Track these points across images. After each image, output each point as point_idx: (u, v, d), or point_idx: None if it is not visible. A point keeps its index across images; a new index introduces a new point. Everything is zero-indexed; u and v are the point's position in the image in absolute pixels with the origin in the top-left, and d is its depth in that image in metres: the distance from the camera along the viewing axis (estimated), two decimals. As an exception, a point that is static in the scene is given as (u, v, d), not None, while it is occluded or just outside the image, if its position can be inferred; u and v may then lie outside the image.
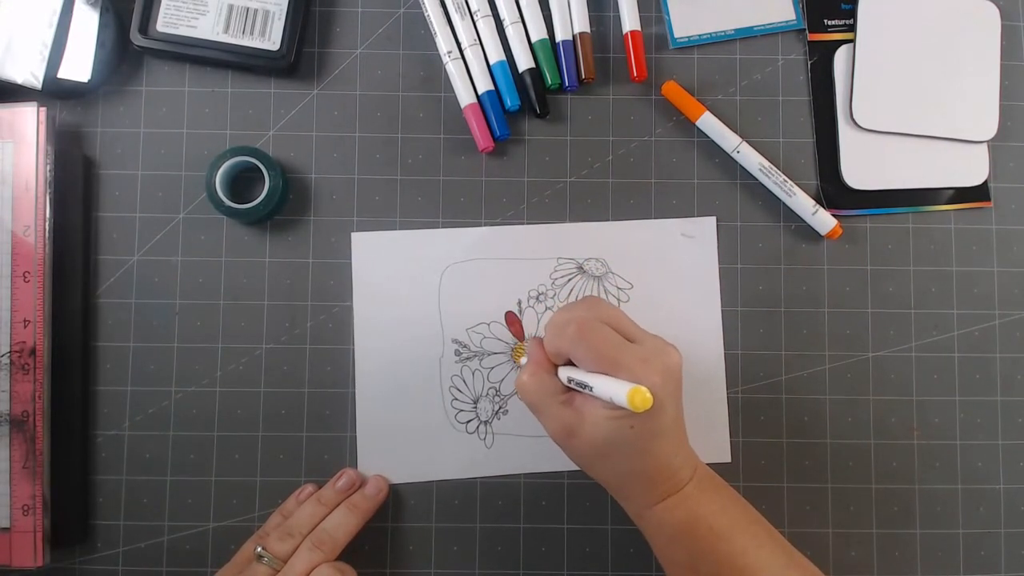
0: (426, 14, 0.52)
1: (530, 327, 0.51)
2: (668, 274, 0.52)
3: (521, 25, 0.52)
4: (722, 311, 0.52)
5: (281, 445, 0.50)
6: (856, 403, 0.51)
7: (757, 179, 0.52)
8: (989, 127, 0.53)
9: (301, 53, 0.52)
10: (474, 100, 0.51)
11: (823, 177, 0.53)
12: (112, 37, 0.51)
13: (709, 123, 0.52)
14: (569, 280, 0.52)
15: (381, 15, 0.53)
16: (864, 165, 0.52)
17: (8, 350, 0.47)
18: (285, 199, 0.51)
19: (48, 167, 0.49)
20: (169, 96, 0.52)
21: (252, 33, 0.51)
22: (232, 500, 0.50)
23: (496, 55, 0.52)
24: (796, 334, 0.52)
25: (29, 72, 0.49)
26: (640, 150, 0.53)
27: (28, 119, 0.48)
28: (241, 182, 0.51)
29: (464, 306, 0.51)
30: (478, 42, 0.52)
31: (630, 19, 0.52)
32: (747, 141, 0.52)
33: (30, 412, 0.47)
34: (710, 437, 0.51)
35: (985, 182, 0.53)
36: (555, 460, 0.49)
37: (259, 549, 0.45)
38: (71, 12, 0.50)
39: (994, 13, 0.53)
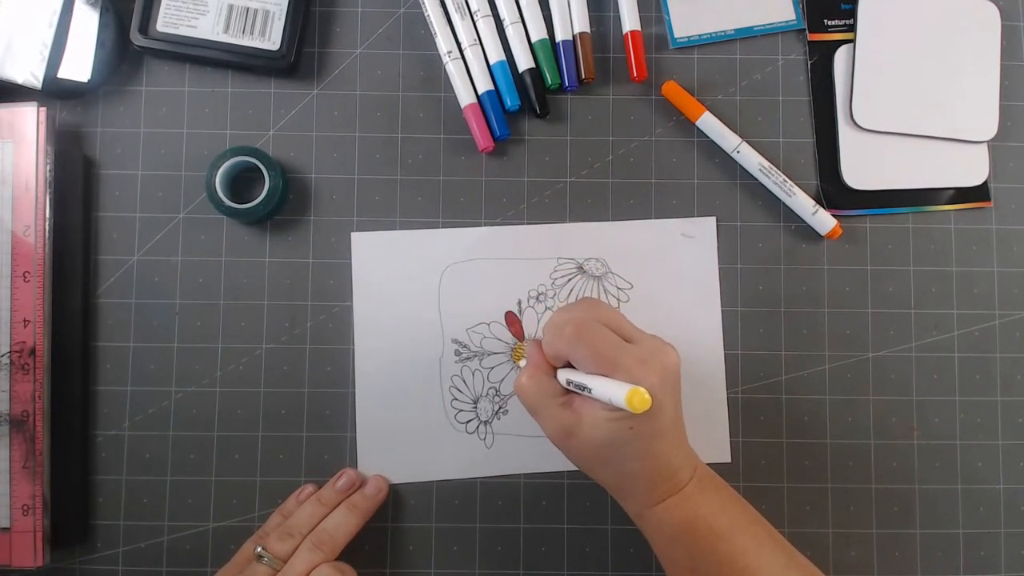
0: (426, 14, 0.52)
1: (530, 327, 0.51)
2: (668, 274, 0.52)
3: (521, 25, 0.52)
4: (722, 311, 0.52)
5: (281, 445, 0.50)
6: (856, 403, 0.51)
7: (757, 179, 0.52)
8: (989, 127, 0.53)
9: (301, 53, 0.52)
10: (474, 100, 0.51)
11: (823, 177, 0.53)
12: (112, 37, 0.51)
13: (709, 123, 0.52)
14: (569, 280, 0.52)
15: (381, 15, 0.53)
16: (864, 165, 0.52)
17: (8, 350, 0.47)
18: (285, 199, 0.51)
19: (48, 167, 0.49)
20: (169, 96, 0.52)
21: (252, 33, 0.51)
22: (232, 500, 0.50)
23: (496, 55, 0.52)
24: (796, 334, 0.52)
25: (29, 72, 0.49)
26: (640, 150, 0.53)
27: (28, 119, 0.48)
28: (241, 182, 0.51)
29: (464, 306, 0.51)
30: (478, 42, 0.52)
31: (630, 19, 0.52)
32: (747, 141, 0.52)
33: (30, 412, 0.47)
34: (710, 437, 0.51)
35: (985, 182, 0.53)
36: (555, 460, 0.49)
37: (259, 549, 0.45)
38: (71, 12, 0.50)
39: (994, 13, 0.53)
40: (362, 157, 0.52)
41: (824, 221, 0.51)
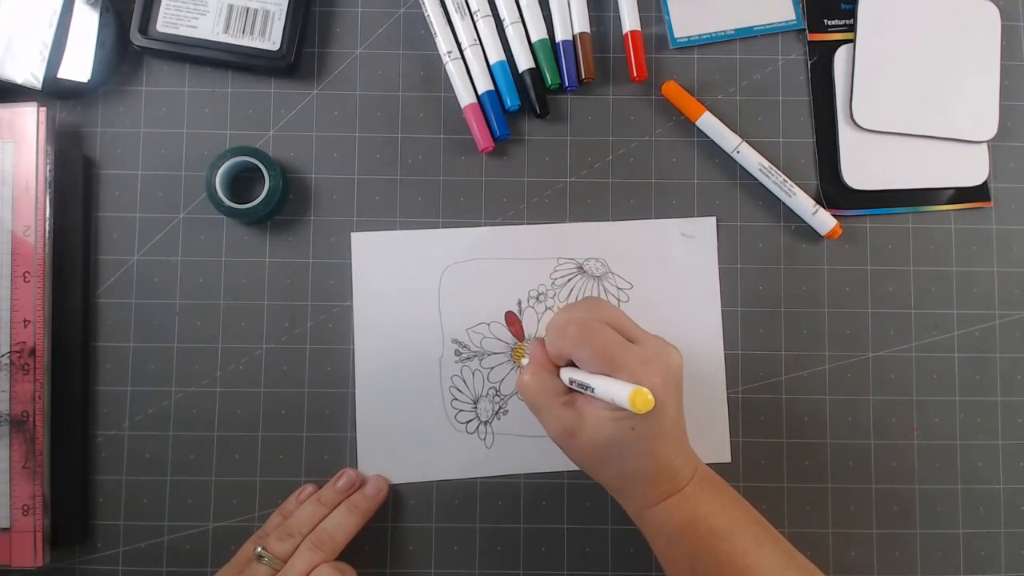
0: (426, 14, 0.52)
1: (530, 327, 0.51)
2: (668, 274, 0.52)
3: (521, 25, 0.52)
4: (722, 311, 0.52)
5: (281, 445, 0.50)
6: (856, 403, 0.51)
7: (757, 179, 0.52)
8: (989, 127, 0.53)
9: (301, 53, 0.52)
10: (474, 100, 0.51)
11: (823, 177, 0.53)
12: (112, 37, 0.51)
13: (709, 123, 0.52)
14: (569, 280, 0.52)
15: (381, 15, 0.53)
16: (864, 165, 0.52)
17: (8, 350, 0.47)
18: (285, 199, 0.51)
19: (48, 167, 0.49)
20: (169, 96, 0.52)
21: (252, 33, 0.51)
22: (232, 500, 0.50)
23: (496, 55, 0.52)
24: (796, 334, 0.52)
25: (29, 72, 0.49)
26: (640, 150, 0.53)
27: (28, 119, 0.48)
28: (241, 182, 0.51)
29: (464, 306, 0.51)
30: (478, 42, 0.52)
31: (630, 19, 0.52)
32: (747, 141, 0.52)
33: (30, 412, 0.47)
34: (710, 437, 0.51)
35: (985, 182, 0.53)
36: (555, 460, 0.49)
37: (259, 549, 0.45)
38: (71, 12, 0.50)
39: (994, 13, 0.53)
40: (362, 157, 0.52)
41: (824, 221, 0.51)
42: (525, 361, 0.44)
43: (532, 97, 0.52)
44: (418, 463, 0.50)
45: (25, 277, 0.48)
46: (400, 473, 0.50)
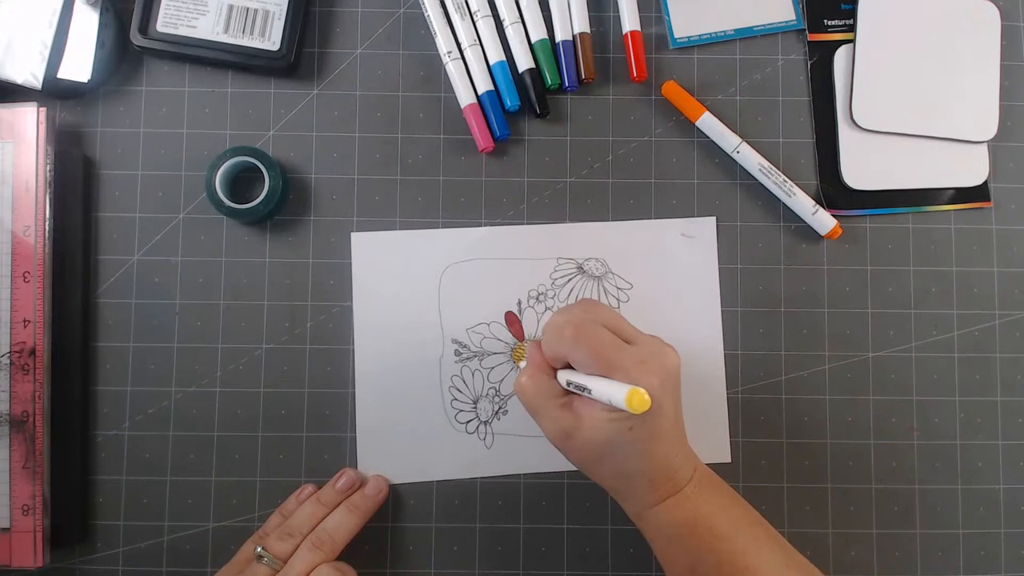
0: (426, 14, 0.52)
1: (530, 327, 0.51)
2: (668, 274, 0.52)
3: (521, 25, 0.52)
4: (722, 311, 0.52)
5: (281, 445, 0.50)
6: (856, 403, 0.51)
7: (757, 179, 0.52)
8: (989, 127, 0.53)
9: (301, 53, 0.52)
10: (474, 100, 0.51)
11: (823, 177, 0.53)
12: (112, 37, 0.51)
13: (709, 123, 0.52)
14: (569, 280, 0.52)
15: (381, 15, 0.53)
16: (864, 165, 0.52)
17: (8, 350, 0.47)
18: (285, 199, 0.51)
19: (48, 167, 0.49)
20: (169, 96, 0.52)
21: (252, 33, 0.51)
22: (232, 500, 0.50)
23: (496, 55, 0.52)
24: (796, 334, 0.52)
25: (29, 72, 0.49)
26: (640, 150, 0.53)
27: (28, 119, 0.48)
28: (241, 182, 0.51)
29: (464, 306, 0.51)
30: (478, 42, 0.52)
31: (630, 19, 0.52)
32: (747, 141, 0.52)
33: (30, 412, 0.47)
34: (710, 437, 0.51)
35: (985, 182, 0.53)
36: (555, 460, 0.49)
37: (259, 549, 0.45)
38: (71, 12, 0.50)
39: (994, 13, 0.53)
40: (362, 157, 0.52)
41: (824, 221, 0.51)
42: (523, 363, 0.44)
43: (532, 97, 0.52)
44: (418, 463, 0.50)
45: (25, 277, 0.48)
46: (400, 473, 0.50)
